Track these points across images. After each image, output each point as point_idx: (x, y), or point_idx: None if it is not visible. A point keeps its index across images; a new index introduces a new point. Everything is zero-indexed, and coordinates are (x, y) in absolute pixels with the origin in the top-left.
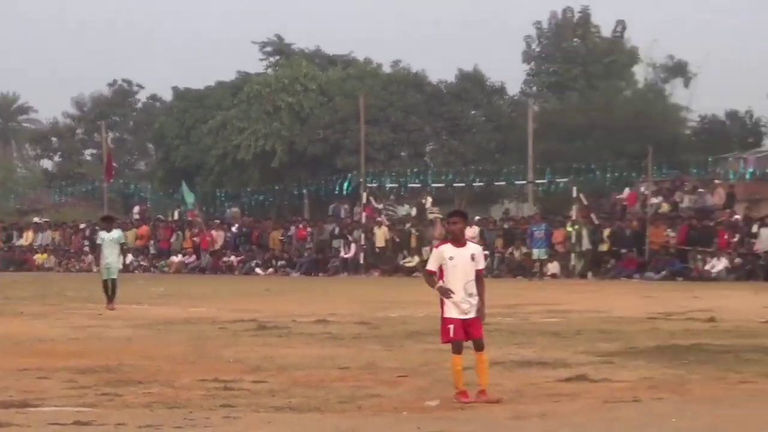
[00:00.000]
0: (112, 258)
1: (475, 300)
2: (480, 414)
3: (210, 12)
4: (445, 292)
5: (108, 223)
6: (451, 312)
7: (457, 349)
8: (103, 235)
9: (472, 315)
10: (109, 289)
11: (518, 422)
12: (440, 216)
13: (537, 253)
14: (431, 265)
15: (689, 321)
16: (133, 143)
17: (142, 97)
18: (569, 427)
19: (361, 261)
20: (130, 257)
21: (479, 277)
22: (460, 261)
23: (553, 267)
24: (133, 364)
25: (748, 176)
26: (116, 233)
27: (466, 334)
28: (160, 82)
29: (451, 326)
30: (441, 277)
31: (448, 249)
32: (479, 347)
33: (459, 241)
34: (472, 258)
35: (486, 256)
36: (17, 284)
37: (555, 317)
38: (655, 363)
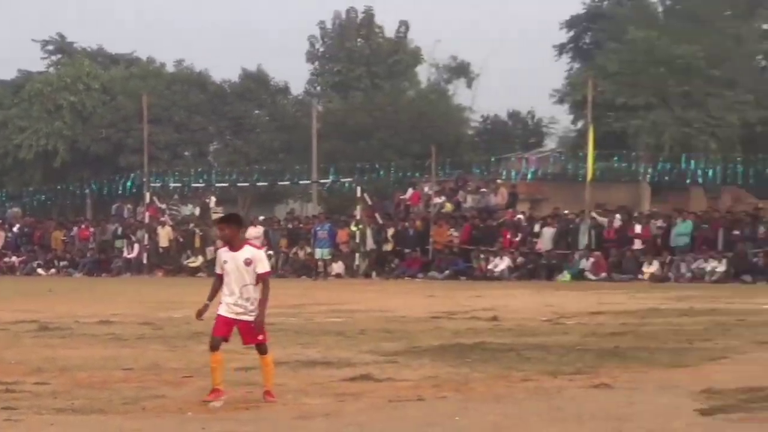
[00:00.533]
0: None
1: (252, 306)
2: (265, 414)
3: None
4: (199, 313)
5: None
6: (221, 310)
7: (214, 346)
8: None
9: (246, 318)
10: None
11: (303, 422)
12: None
13: (320, 252)
14: (216, 268)
15: (472, 320)
16: None
17: None
18: (354, 426)
19: (145, 261)
20: None
21: (263, 281)
22: (233, 265)
23: (338, 267)
24: None
25: (530, 176)
26: None
27: (243, 336)
28: None
29: (217, 321)
30: (220, 278)
31: (224, 253)
32: (261, 351)
33: (233, 246)
34: (246, 263)
35: (270, 256)
36: None
37: (339, 317)
38: (438, 362)
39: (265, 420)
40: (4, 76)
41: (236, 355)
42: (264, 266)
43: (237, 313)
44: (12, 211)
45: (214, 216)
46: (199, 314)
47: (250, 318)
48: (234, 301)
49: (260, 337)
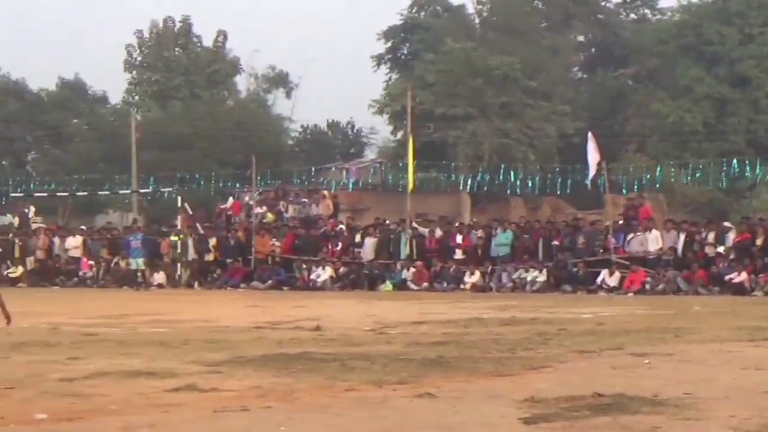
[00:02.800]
0: None
1: None
2: (89, 425)
3: None
4: None
5: None
6: None
7: None
8: None
9: None
10: None
11: None
12: (44, 226)
13: (134, 263)
14: None
15: (296, 330)
16: None
17: None
18: None
19: None
20: None
21: None
22: None
23: (159, 277)
24: None
25: (351, 186)
26: None
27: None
28: None
29: None
30: None
31: None
32: None
33: None
34: None
35: (91, 266)
36: None
37: (162, 327)
38: (263, 371)
39: (89, 431)
40: None
41: (58, 365)
42: None
43: None
44: None
45: (34, 226)
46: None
47: None
48: None
49: None
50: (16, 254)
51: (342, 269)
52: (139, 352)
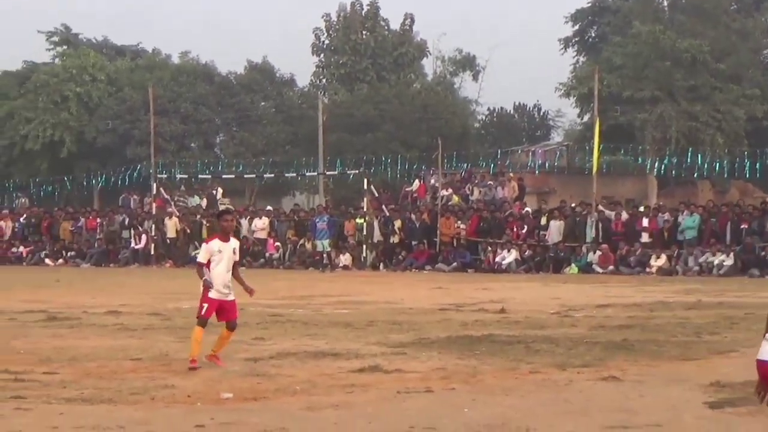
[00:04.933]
0: None
1: (229, 288)
2: (274, 405)
3: None
4: (209, 284)
5: None
6: (212, 294)
7: (202, 324)
8: None
9: (230, 298)
10: None
11: (312, 413)
12: (231, 207)
13: (320, 244)
14: (202, 257)
15: (480, 312)
16: None
17: None
18: (362, 417)
19: (152, 252)
20: None
21: (236, 265)
22: (226, 253)
23: (345, 259)
24: None
25: (537, 169)
26: None
27: (220, 314)
28: None
29: (206, 305)
30: (208, 266)
31: (216, 243)
32: (232, 327)
33: (227, 236)
34: (234, 251)
35: (278, 248)
36: None
37: (347, 308)
38: (447, 353)
39: (274, 411)
40: (9, 68)
41: (243, 345)
42: (237, 254)
43: (224, 294)
44: (20, 201)
45: (221, 207)
46: (211, 285)
47: (232, 298)
48: (223, 285)
49: (237, 313)
50: (204, 235)
51: (527, 252)
52: (323, 333)
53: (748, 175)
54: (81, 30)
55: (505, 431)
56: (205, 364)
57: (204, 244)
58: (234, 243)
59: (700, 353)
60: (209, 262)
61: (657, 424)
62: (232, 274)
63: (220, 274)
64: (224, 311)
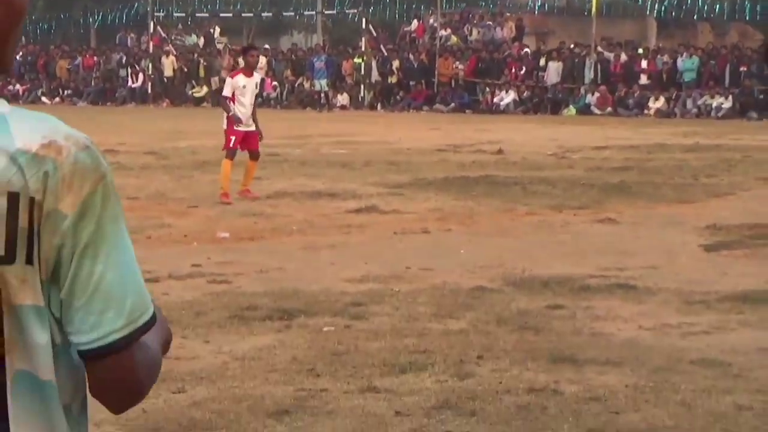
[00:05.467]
0: None
1: (253, 119)
2: (270, 244)
3: None
4: (237, 118)
5: None
6: (239, 126)
7: (231, 156)
8: None
9: (253, 128)
10: None
11: (307, 253)
12: (229, 46)
13: (318, 84)
14: (227, 92)
15: (477, 153)
16: None
17: None
18: (359, 257)
19: (149, 91)
20: None
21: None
22: (250, 87)
23: (343, 98)
24: None
25: (536, 10)
26: None
27: (245, 144)
28: None
29: (234, 137)
30: (233, 100)
31: (242, 78)
32: (255, 157)
33: (251, 71)
34: (256, 86)
35: (275, 87)
36: None
37: (344, 149)
38: (443, 194)
39: (270, 250)
40: None
41: (239, 186)
42: (259, 88)
43: (249, 125)
44: None
45: (219, 46)
46: (240, 120)
47: (254, 129)
48: (248, 117)
49: (258, 144)
50: (201, 74)
51: (525, 93)
52: (321, 173)
53: (748, 17)
54: None
55: (500, 272)
56: (202, 204)
57: (229, 79)
58: (257, 77)
59: (697, 196)
60: (234, 96)
61: (653, 266)
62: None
63: (244, 107)
64: (248, 142)
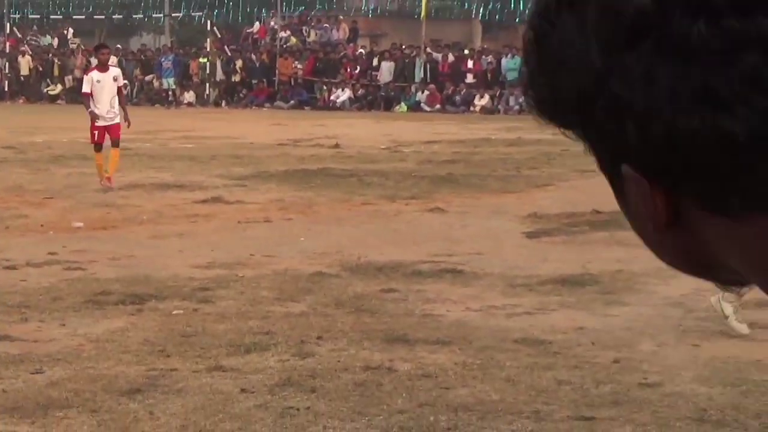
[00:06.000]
0: None
1: (117, 110)
2: (122, 234)
3: None
4: (94, 116)
5: None
6: (99, 122)
7: (98, 149)
8: None
9: (115, 121)
10: None
11: (157, 241)
12: (82, 46)
13: (166, 82)
14: (86, 88)
15: (316, 147)
16: None
17: None
18: (206, 245)
19: (6, 89)
20: None
21: (120, 91)
22: (105, 83)
23: (189, 96)
24: None
25: (369, 13)
26: None
27: (107, 136)
28: None
29: (96, 132)
30: (92, 95)
31: (96, 74)
32: (116, 144)
33: (105, 67)
34: (114, 79)
35: (126, 86)
36: None
37: (191, 143)
38: (284, 186)
39: (122, 239)
40: None
41: (95, 178)
42: (122, 81)
43: (109, 119)
44: None
45: (72, 46)
46: (96, 116)
47: (117, 120)
48: (106, 111)
49: (120, 133)
50: (56, 73)
51: (360, 91)
52: (169, 166)
53: None
54: None
55: (338, 258)
56: (58, 196)
57: (85, 76)
58: (114, 72)
59: (519, 186)
60: (93, 92)
61: (479, 253)
62: (119, 101)
63: (102, 101)
64: (110, 132)
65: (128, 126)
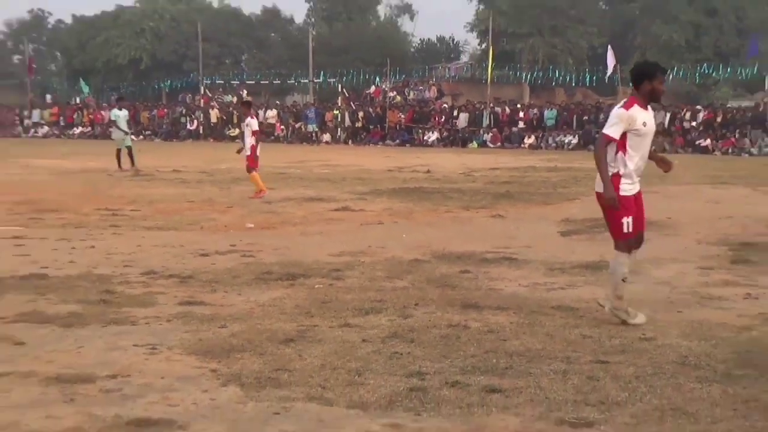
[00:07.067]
0: (124, 130)
1: (247, 145)
2: (280, 232)
3: None
4: (244, 151)
5: (121, 102)
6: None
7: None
8: (117, 113)
9: (246, 152)
10: (126, 155)
11: (304, 237)
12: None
13: (311, 127)
14: (255, 127)
15: (414, 173)
16: (46, 52)
17: (51, 20)
18: (338, 240)
19: (201, 132)
20: (46, 128)
21: (253, 133)
22: (249, 127)
23: (326, 137)
24: (51, 199)
25: (451, 79)
26: (125, 112)
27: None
28: (66, 10)
29: (257, 157)
30: (255, 134)
31: (251, 120)
32: (248, 171)
33: (247, 115)
34: (247, 125)
35: (282, 129)
36: None
37: (327, 169)
38: (392, 199)
39: (280, 236)
40: (106, 8)
41: (261, 193)
42: (255, 125)
43: (244, 152)
44: (113, 98)
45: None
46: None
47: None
48: (248, 146)
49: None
50: (234, 120)
51: (444, 133)
52: (312, 185)
53: (587, 84)
54: None
55: (429, 249)
56: (235, 205)
57: (250, 119)
58: (250, 122)
59: (555, 200)
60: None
61: (528, 246)
62: (250, 139)
63: (246, 142)
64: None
65: (238, 152)
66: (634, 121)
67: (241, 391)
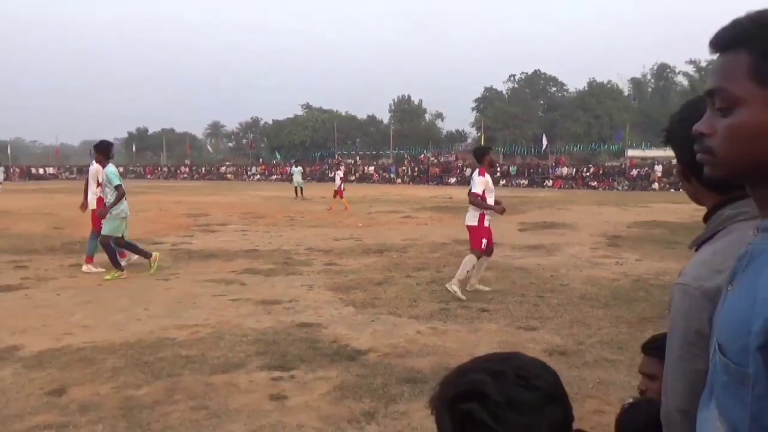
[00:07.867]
0: (298, 180)
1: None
2: (374, 228)
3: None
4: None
5: (297, 163)
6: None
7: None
8: (294, 169)
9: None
10: (299, 191)
11: (388, 230)
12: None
13: (391, 175)
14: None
15: (443, 199)
16: (259, 138)
17: (261, 121)
18: (404, 233)
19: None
20: (258, 176)
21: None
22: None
23: (399, 180)
24: (260, 211)
25: (464, 149)
26: (300, 168)
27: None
28: (270, 115)
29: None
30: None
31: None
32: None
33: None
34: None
35: (377, 176)
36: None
37: (398, 197)
38: (431, 212)
39: (375, 230)
40: (289, 115)
41: (364, 206)
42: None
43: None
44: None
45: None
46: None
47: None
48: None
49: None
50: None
51: (459, 179)
52: (391, 204)
53: (533, 154)
54: (318, 103)
55: (452, 238)
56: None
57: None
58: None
59: (516, 213)
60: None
61: (501, 236)
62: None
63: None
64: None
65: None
66: (487, 182)
67: (354, 309)
